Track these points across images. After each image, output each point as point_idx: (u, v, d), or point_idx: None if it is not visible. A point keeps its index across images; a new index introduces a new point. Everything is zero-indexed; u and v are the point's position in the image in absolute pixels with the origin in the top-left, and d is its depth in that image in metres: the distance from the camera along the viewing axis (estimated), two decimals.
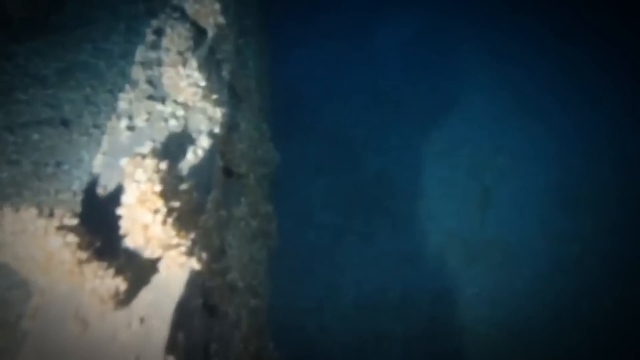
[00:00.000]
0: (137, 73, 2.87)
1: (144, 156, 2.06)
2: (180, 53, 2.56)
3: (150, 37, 3.01)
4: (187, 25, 2.94)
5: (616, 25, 7.70)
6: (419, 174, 6.28)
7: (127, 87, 2.80)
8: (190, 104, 2.55)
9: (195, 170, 2.35)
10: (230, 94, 3.65)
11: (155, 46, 2.95)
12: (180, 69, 2.49)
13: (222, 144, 2.85)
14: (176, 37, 2.87)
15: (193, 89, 2.50)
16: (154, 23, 3.07)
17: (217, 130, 2.62)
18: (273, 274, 3.52)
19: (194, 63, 2.52)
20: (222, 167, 2.87)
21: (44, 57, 3.66)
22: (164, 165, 1.87)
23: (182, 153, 2.44)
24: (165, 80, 2.52)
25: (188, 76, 2.51)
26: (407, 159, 6.49)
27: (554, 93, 7.15)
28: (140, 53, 2.93)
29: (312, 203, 6.02)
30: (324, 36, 7.70)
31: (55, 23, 3.88)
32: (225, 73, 3.10)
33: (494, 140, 6.57)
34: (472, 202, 5.82)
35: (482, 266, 5.25)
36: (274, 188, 4.29)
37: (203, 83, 2.52)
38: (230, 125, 3.22)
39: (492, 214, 5.70)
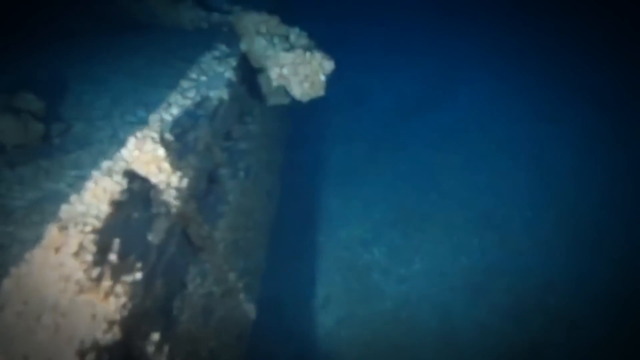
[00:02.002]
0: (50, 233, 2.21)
1: None
2: (62, 229, 1.88)
3: (88, 184, 2.38)
4: (118, 177, 2.31)
5: None
6: (449, 314, 5.09)
7: (27, 256, 2.09)
8: (65, 302, 1.82)
9: None
10: (185, 246, 2.95)
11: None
12: (51, 256, 1.80)
13: (121, 344, 2.04)
14: (100, 192, 2.23)
15: (62, 284, 1.78)
16: (105, 164, 2.46)
17: (98, 334, 1.83)
18: None
19: (71, 245, 1.82)
20: None
21: (24, 186, 3.23)
22: None
23: None
24: (33, 267, 1.84)
25: (61, 265, 1.81)
26: (431, 291, 5.36)
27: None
28: (65, 207, 2.24)
29: (315, 348, 4.95)
30: (338, 141, 7.20)
31: (54, 146, 3.51)
32: (153, 236, 2.38)
33: (542, 272, 5.34)
34: None
35: None
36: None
37: (78, 275, 1.80)
38: (157, 303, 2.43)
39: None
